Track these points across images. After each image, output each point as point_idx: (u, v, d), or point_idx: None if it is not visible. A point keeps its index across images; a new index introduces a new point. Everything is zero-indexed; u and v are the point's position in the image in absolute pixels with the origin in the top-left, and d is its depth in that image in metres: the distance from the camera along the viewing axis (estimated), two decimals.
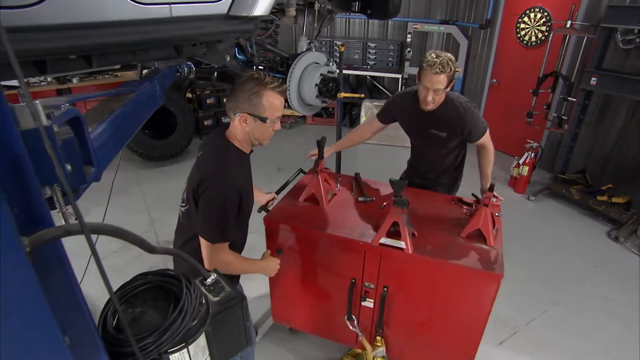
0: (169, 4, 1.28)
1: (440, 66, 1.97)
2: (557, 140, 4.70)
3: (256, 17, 1.69)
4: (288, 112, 4.22)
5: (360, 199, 2.22)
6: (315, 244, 2.04)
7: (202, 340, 0.76)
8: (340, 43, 2.84)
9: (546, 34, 4.68)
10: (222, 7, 1.59)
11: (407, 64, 5.77)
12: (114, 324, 0.74)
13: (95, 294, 2.93)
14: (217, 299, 0.84)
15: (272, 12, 2.33)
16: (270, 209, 2.18)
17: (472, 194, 2.32)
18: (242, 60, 2.61)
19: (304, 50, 2.43)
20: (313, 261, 2.09)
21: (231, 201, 1.50)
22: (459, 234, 1.95)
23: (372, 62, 6.17)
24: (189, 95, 5.75)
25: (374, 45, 6.05)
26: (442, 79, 2.01)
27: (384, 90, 6.48)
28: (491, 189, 1.90)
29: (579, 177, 4.32)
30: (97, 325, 0.72)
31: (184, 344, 0.71)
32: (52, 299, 0.49)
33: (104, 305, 0.76)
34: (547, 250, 3.57)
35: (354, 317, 2.07)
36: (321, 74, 2.18)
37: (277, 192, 2.33)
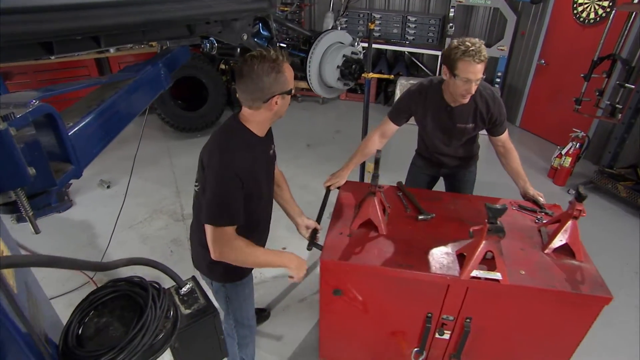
0: None
1: (482, 55, 1.81)
2: (608, 131, 4.31)
3: None
4: None
5: (420, 217, 1.96)
6: (385, 281, 1.75)
7: (166, 356, 0.73)
8: (373, 18, 2.66)
9: (608, 10, 4.20)
10: None
11: (448, 40, 5.41)
12: (77, 334, 0.71)
13: None
14: (188, 311, 0.81)
15: None
16: (320, 243, 1.89)
17: (525, 197, 2.16)
18: (266, 36, 2.51)
19: (330, 27, 2.29)
20: (380, 299, 1.83)
21: (231, 181, 1.43)
22: (542, 249, 1.78)
23: (412, 37, 5.84)
24: (223, 66, 5.73)
25: (414, 19, 5.70)
26: (482, 67, 1.84)
27: (423, 67, 6.16)
28: (582, 198, 1.70)
29: (629, 173, 3.95)
30: (60, 338, 0.70)
31: None
32: None
33: (70, 316, 0.73)
34: None
35: (424, 351, 1.91)
36: (344, 55, 2.06)
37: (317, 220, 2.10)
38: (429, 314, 1.78)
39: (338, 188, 2.22)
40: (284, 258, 1.66)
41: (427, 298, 1.74)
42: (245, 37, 1.88)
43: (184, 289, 0.85)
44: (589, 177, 4.10)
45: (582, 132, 4.04)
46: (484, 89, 2.06)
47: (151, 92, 1.26)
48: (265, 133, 1.60)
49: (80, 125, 0.87)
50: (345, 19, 6.12)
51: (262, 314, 2.59)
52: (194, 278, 0.88)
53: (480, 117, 2.09)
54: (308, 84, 2.08)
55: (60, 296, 2.75)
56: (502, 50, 5.14)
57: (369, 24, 2.50)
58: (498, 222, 1.55)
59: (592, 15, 4.41)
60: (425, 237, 1.84)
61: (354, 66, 2.05)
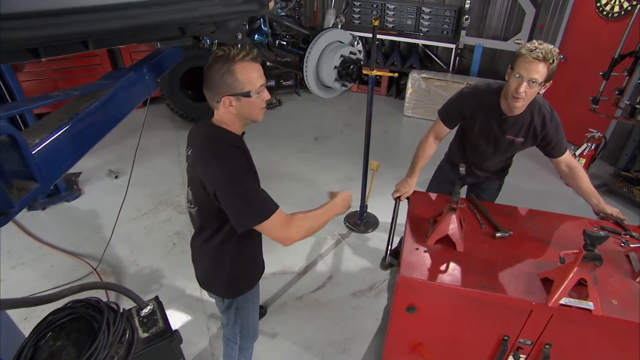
0: None
1: (541, 52, 1.67)
2: (627, 132, 4.13)
3: None
4: None
5: (497, 234, 1.85)
6: (465, 301, 1.67)
7: None
8: (377, 13, 2.57)
9: (634, 3, 3.99)
10: None
11: (463, 32, 5.26)
12: (31, 358, 0.71)
13: (123, 254, 3.12)
14: (145, 335, 0.80)
15: None
16: (393, 261, 1.81)
17: (600, 216, 2.02)
18: (267, 32, 2.47)
19: (331, 24, 2.24)
20: (454, 318, 1.76)
21: (244, 174, 1.38)
22: (633, 277, 1.64)
23: (426, 29, 5.68)
24: None
25: (428, 10, 5.54)
26: (542, 68, 1.69)
27: (437, 60, 6.00)
28: None
29: None
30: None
31: None
32: None
33: (27, 337, 0.74)
34: None
35: None
36: (341, 55, 2.00)
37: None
38: (506, 337, 1.69)
39: (407, 198, 2.10)
40: (334, 208, 1.59)
41: (506, 321, 1.65)
42: (240, 37, 1.85)
43: (145, 311, 0.84)
44: (604, 180, 3.96)
45: (599, 133, 3.89)
46: (543, 105, 1.94)
47: (133, 100, 1.24)
48: (241, 132, 1.54)
49: (47, 141, 0.86)
50: (358, 9, 6.01)
51: (260, 311, 2.60)
52: (156, 298, 0.87)
53: (533, 133, 1.96)
54: (305, 84, 2.04)
55: (65, 285, 2.82)
56: (519, 44, 4.96)
57: (372, 20, 2.42)
58: (596, 250, 1.43)
59: (616, 9, 4.20)
60: (504, 257, 1.74)
61: (352, 67, 1.99)
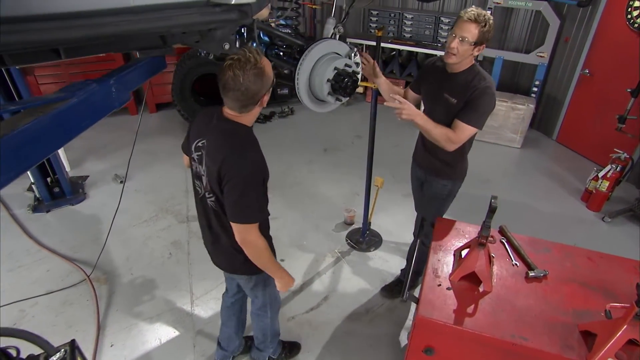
0: None
1: (474, 14, 1.88)
2: None
3: (241, 5, 1.46)
4: None
5: (531, 274, 1.70)
6: (488, 349, 1.52)
7: None
8: (379, 26, 2.45)
9: None
10: None
11: None
12: None
13: (119, 262, 3.07)
14: None
15: None
16: (410, 293, 1.70)
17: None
18: (266, 42, 2.39)
19: (330, 34, 2.14)
20: None
21: (255, 181, 1.50)
22: None
23: (444, 40, 5.51)
24: None
25: (447, 20, 5.38)
26: (472, 28, 1.89)
27: None
28: None
29: None
30: None
31: None
32: None
33: None
34: None
35: None
36: (335, 68, 1.89)
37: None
38: None
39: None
40: (283, 272, 1.75)
41: None
42: (227, 47, 1.76)
43: (54, 358, 0.74)
44: (629, 204, 3.68)
45: (625, 154, 3.62)
46: (484, 79, 2.00)
47: (93, 114, 1.16)
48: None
49: None
50: (375, 18, 5.90)
51: (294, 347, 2.42)
52: (72, 343, 0.77)
53: (464, 94, 2.01)
54: (298, 97, 1.94)
55: (58, 291, 2.80)
56: (541, 57, 4.73)
57: (376, 30, 2.31)
58: None
59: None
60: (538, 301, 1.59)
61: (346, 80, 1.88)
